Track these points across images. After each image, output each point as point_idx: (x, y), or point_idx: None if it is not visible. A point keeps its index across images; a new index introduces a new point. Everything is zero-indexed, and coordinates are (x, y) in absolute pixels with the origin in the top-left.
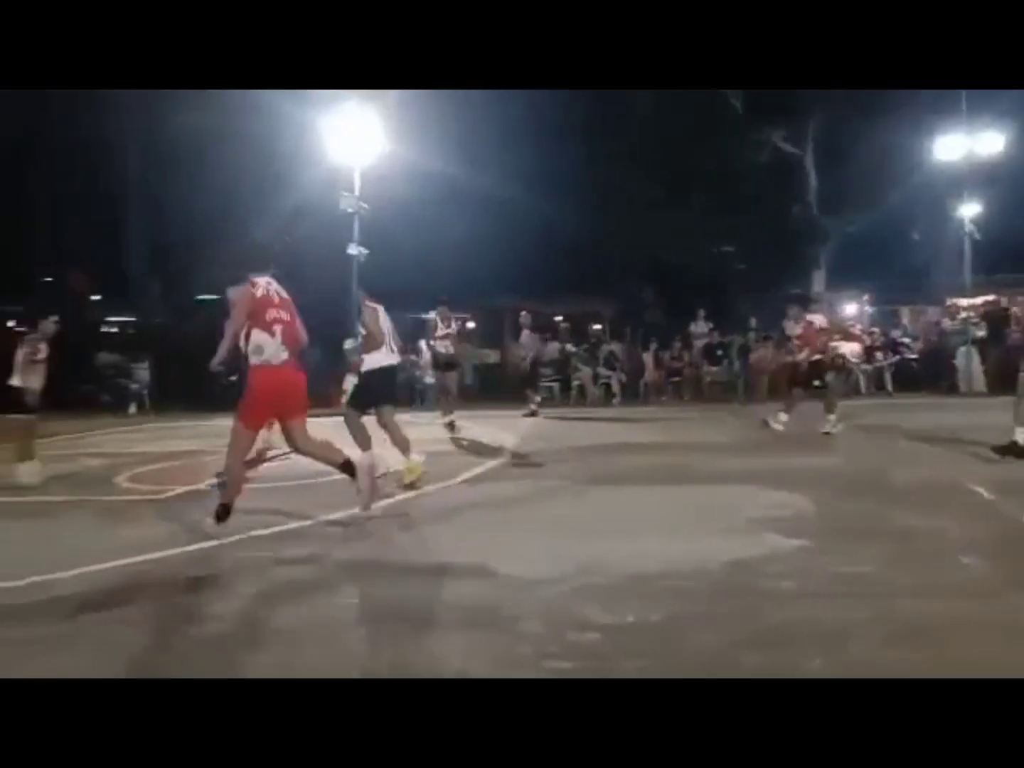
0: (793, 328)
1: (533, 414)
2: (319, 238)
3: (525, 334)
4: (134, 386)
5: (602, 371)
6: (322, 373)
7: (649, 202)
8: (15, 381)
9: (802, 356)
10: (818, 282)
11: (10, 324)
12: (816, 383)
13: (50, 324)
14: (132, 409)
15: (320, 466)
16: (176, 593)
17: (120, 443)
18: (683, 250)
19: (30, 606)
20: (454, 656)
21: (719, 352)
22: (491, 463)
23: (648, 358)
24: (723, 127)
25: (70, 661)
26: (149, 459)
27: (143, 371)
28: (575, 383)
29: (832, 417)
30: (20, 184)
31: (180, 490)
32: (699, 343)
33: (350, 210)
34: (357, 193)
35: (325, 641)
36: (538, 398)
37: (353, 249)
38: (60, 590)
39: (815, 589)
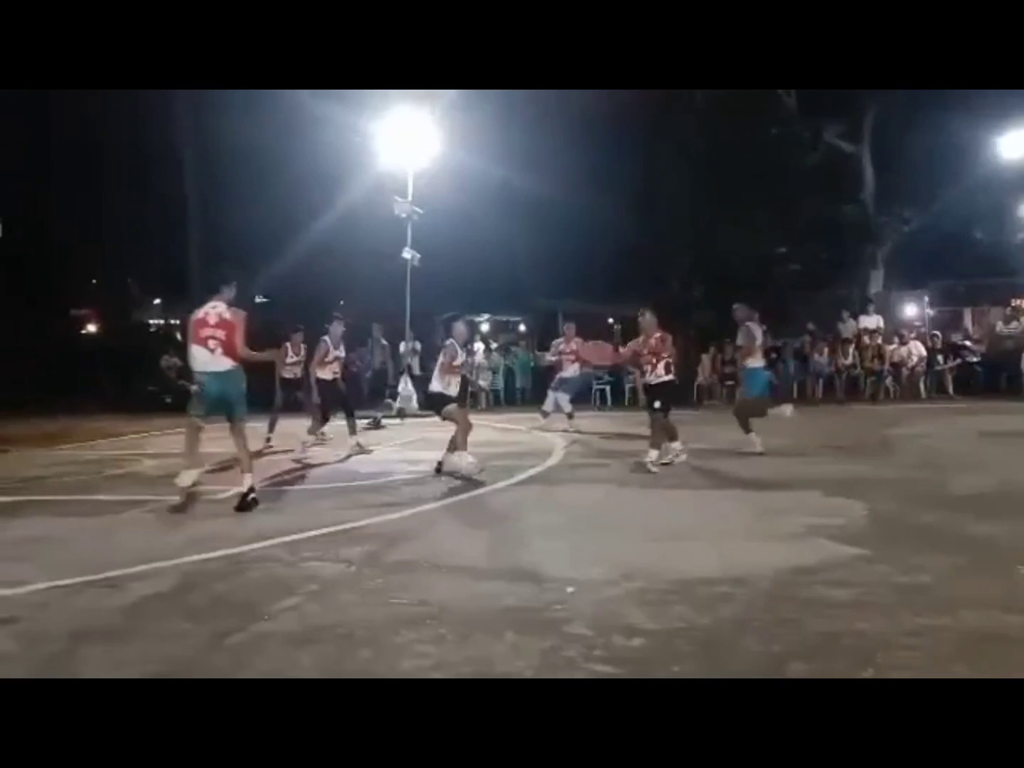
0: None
1: (570, 416)
2: (372, 243)
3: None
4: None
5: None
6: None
7: (701, 203)
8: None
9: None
10: (876, 282)
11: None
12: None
13: None
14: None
15: (373, 467)
16: (234, 591)
17: (182, 443)
18: (735, 251)
19: (96, 601)
20: (500, 658)
21: (773, 355)
22: (541, 466)
23: (706, 360)
24: (776, 125)
25: (134, 654)
26: (208, 459)
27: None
28: (628, 386)
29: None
30: (86, 190)
31: (236, 491)
32: None
33: (403, 215)
34: (410, 198)
35: (376, 641)
36: (569, 408)
37: (407, 253)
38: (126, 586)
39: (870, 599)
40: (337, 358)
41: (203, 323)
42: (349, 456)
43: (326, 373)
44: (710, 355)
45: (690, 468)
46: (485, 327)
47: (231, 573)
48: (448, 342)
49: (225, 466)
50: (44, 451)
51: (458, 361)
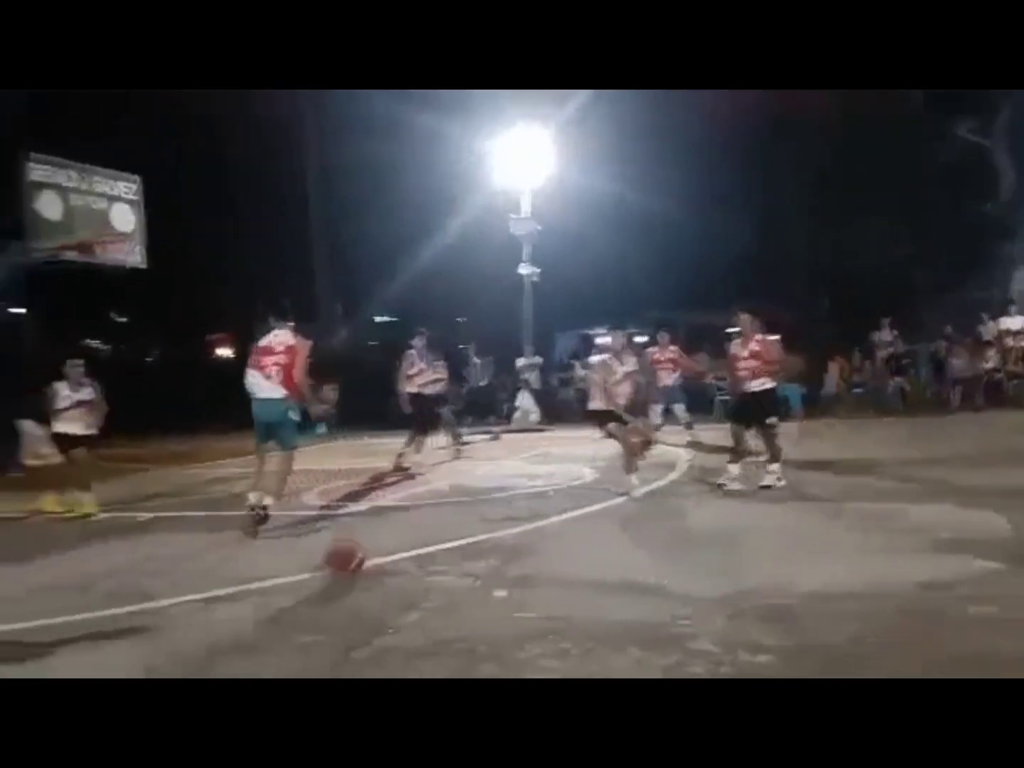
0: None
1: (689, 425)
2: (486, 262)
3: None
4: (405, 405)
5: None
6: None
7: (824, 210)
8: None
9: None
10: (1019, 282)
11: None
12: None
13: None
14: (322, 428)
15: (494, 482)
16: (360, 605)
17: (309, 460)
18: (861, 256)
19: (228, 615)
20: (623, 673)
21: (905, 361)
22: (668, 478)
23: (834, 368)
24: (902, 125)
25: (267, 667)
26: (336, 476)
27: (332, 391)
28: (719, 397)
29: None
30: (217, 217)
31: (360, 507)
32: (883, 353)
33: (521, 232)
34: (527, 214)
35: (499, 656)
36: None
37: (525, 269)
38: (255, 600)
39: (1010, 615)
40: (422, 371)
41: (268, 350)
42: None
43: (412, 387)
44: (837, 364)
45: (816, 480)
46: (604, 340)
47: (357, 587)
48: (600, 359)
49: (354, 481)
50: (177, 469)
51: (618, 375)
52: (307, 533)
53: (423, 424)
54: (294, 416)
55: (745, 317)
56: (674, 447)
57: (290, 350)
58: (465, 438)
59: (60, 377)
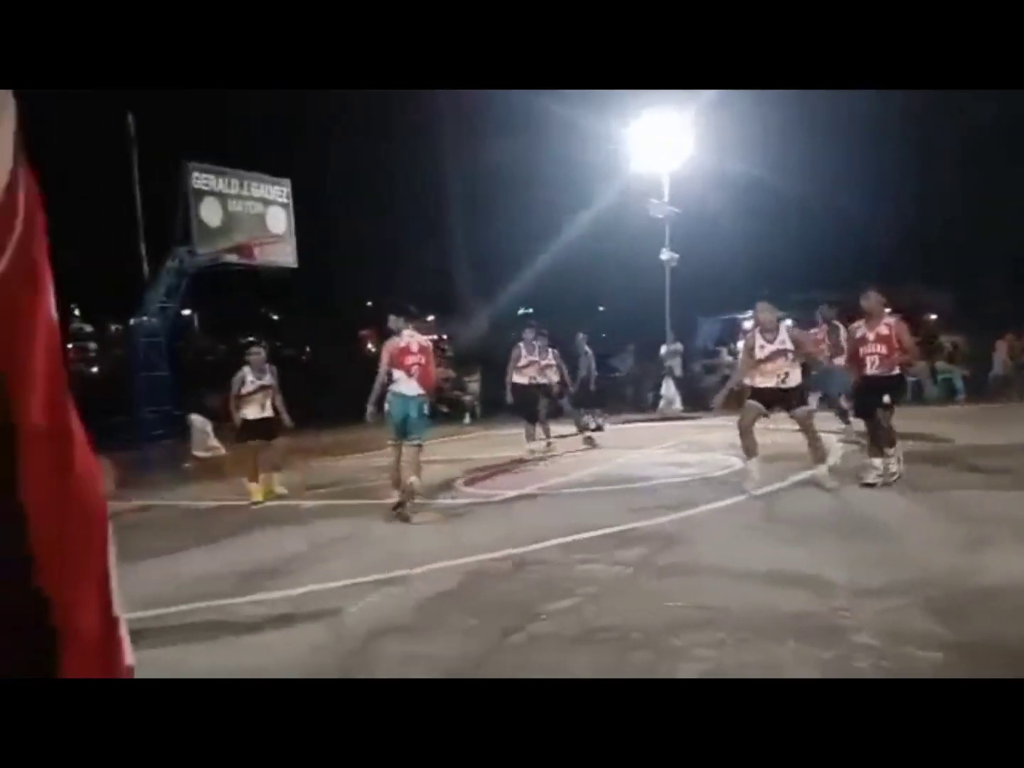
0: None
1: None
2: (629, 247)
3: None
4: (467, 397)
5: (941, 365)
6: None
7: (990, 180)
8: None
9: None
10: None
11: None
12: None
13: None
14: (467, 419)
15: (641, 470)
16: (514, 591)
17: (456, 450)
18: None
19: (391, 598)
20: (782, 665)
21: None
22: (817, 467)
23: (1002, 346)
24: None
25: (427, 650)
26: (481, 465)
27: (474, 383)
28: (911, 379)
29: None
30: (362, 218)
31: (510, 494)
32: None
33: (660, 216)
34: (666, 199)
35: (654, 644)
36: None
37: (665, 255)
38: (416, 584)
39: None
40: (533, 363)
41: (407, 351)
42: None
43: (522, 378)
44: (1006, 343)
45: (989, 467)
46: (749, 324)
47: (511, 573)
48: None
49: (501, 470)
50: (334, 460)
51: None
52: (458, 521)
53: (531, 414)
54: (426, 411)
55: (875, 296)
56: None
57: (423, 350)
58: (593, 426)
59: (240, 367)
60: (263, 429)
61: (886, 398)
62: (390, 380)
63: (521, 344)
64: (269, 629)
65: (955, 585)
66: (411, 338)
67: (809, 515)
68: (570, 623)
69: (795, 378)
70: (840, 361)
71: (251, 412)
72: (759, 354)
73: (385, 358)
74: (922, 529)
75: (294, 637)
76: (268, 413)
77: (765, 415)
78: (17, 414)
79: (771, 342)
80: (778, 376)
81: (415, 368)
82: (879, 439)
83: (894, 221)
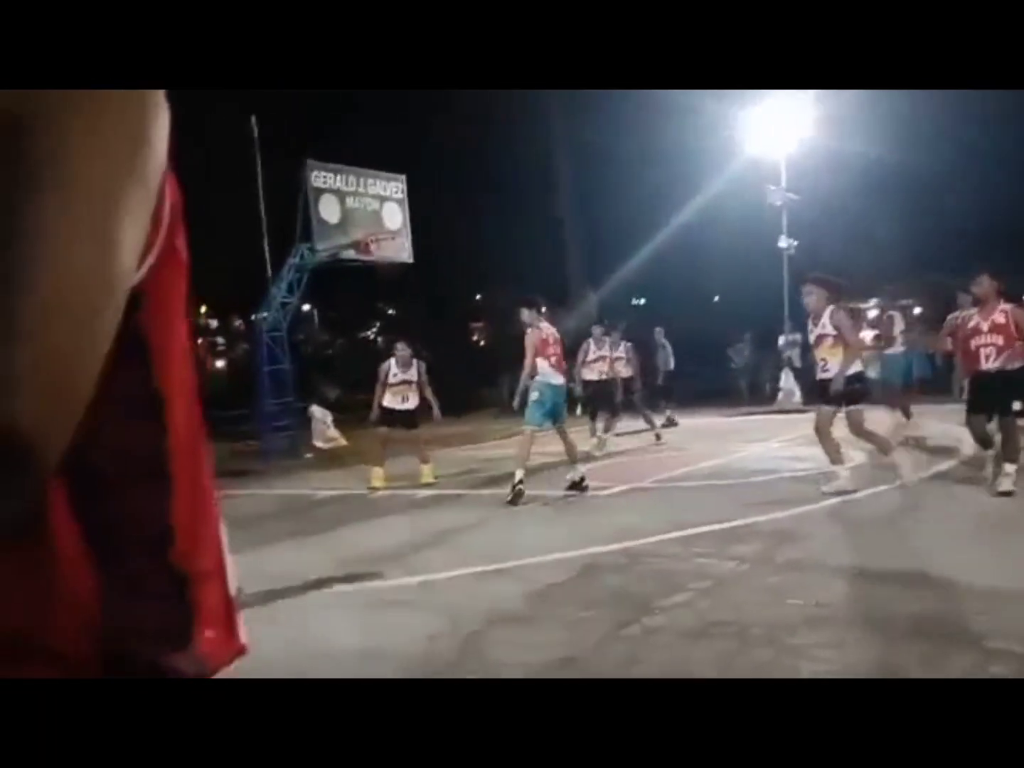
0: None
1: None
2: (745, 233)
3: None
4: (578, 388)
5: None
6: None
7: None
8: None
9: None
10: None
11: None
12: None
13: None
14: (577, 410)
15: (759, 464)
16: (628, 583)
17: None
18: None
19: (504, 588)
20: (910, 669)
21: None
22: (944, 463)
23: None
24: None
25: (540, 639)
26: (594, 457)
27: None
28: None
29: None
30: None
31: (622, 487)
32: None
33: (777, 203)
34: (783, 184)
35: (773, 641)
36: None
37: (783, 242)
38: (530, 575)
39: None
40: (601, 358)
41: (547, 342)
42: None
43: (591, 373)
44: None
45: None
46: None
47: (626, 566)
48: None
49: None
50: (454, 450)
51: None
52: (572, 512)
53: (608, 408)
54: None
55: (987, 281)
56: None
57: (558, 341)
58: (661, 422)
59: (387, 357)
60: (403, 419)
61: (1016, 404)
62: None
63: (590, 340)
64: (390, 613)
65: None
66: (549, 329)
67: (937, 511)
68: (686, 617)
69: (832, 368)
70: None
71: (392, 402)
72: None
73: (531, 350)
74: None
75: (413, 623)
76: (409, 405)
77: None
78: (164, 386)
79: (816, 326)
80: (819, 364)
81: (555, 358)
82: (1007, 447)
83: None
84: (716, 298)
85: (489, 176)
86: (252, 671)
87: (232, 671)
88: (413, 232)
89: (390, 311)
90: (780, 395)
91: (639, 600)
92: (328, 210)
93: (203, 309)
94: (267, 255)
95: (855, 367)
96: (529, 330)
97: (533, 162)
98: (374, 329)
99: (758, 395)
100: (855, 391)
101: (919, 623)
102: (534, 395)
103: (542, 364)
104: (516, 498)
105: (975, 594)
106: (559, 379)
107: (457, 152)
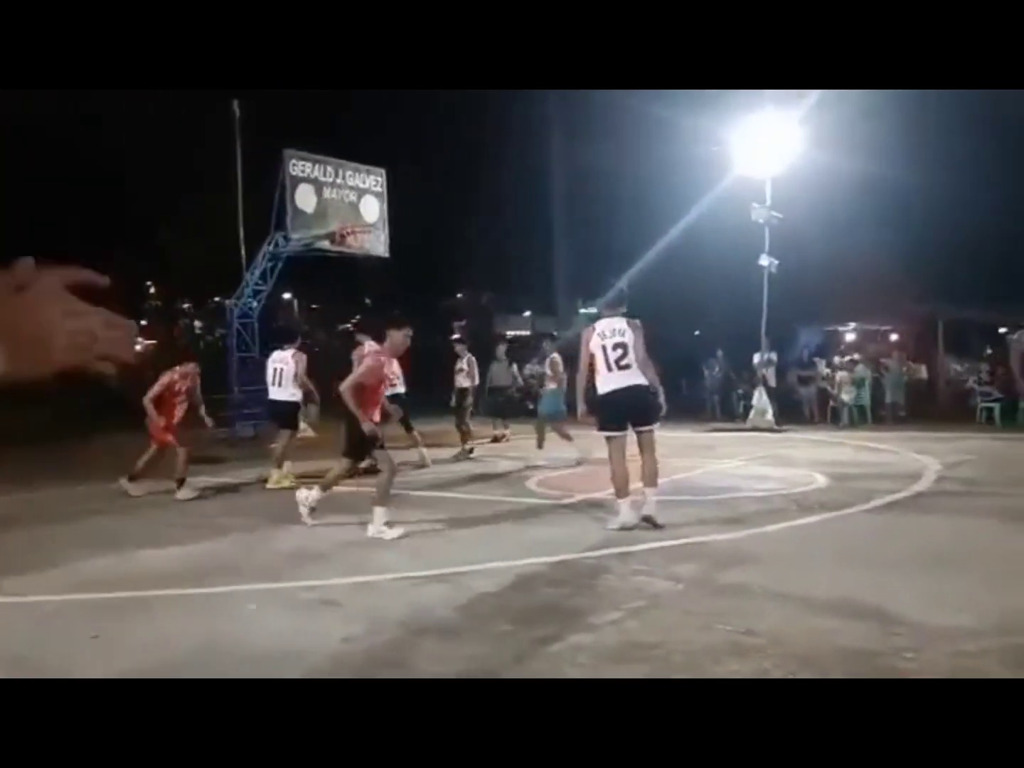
0: None
1: None
2: (729, 252)
3: None
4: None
5: None
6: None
7: None
8: None
9: None
10: None
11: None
12: None
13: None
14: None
15: (719, 482)
16: (562, 598)
17: (535, 448)
18: None
19: (435, 596)
20: None
21: None
22: (906, 491)
23: None
24: None
25: (460, 650)
26: (557, 464)
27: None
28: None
29: None
30: (461, 212)
31: (581, 497)
32: None
33: (761, 221)
34: (768, 203)
35: (693, 666)
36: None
37: (764, 260)
38: (464, 583)
39: None
40: (460, 370)
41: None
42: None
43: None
44: None
45: None
46: (851, 337)
47: (562, 580)
48: None
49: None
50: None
51: None
52: (518, 521)
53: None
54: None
55: None
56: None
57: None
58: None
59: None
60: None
61: None
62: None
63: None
64: (315, 614)
65: None
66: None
67: (886, 541)
68: (612, 636)
69: None
70: None
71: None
72: None
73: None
74: (1015, 566)
75: (333, 625)
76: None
77: None
78: None
79: None
80: None
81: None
82: None
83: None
84: (696, 333)
85: (479, 179)
86: (163, 669)
87: (146, 668)
88: (397, 227)
89: (370, 304)
90: (752, 412)
91: (569, 616)
92: (304, 199)
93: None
94: (243, 242)
95: None
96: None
97: (524, 169)
98: (353, 321)
99: (729, 412)
100: None
101: (846, 657)
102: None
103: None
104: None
105: (905, 627)
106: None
107: (446, 150)
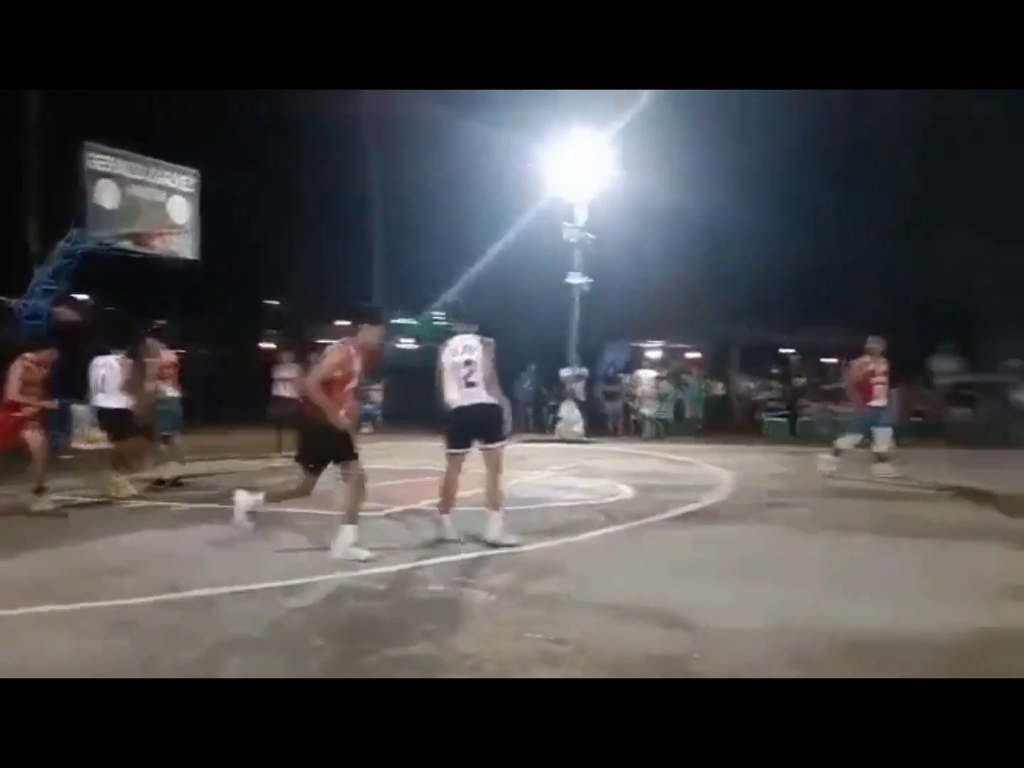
0: None
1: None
2: (544, 268)
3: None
4: (368, 406)
5: (833, 408)
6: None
7: (896, 226)
8: None
9: None
10: None
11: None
12: None
13: None
14: (367, 428)
15: (527, 493)
16: (376, 611)
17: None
18: (934, 279)
19: (246, 611)
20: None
21: (967, 392)
22: (704, 501)
23: (895, 395)
24: (986, 144)
25: (269, 667)
26: (374, 476)
27: (376, 392)
28: (802, 419)
29: None
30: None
31: (397, 509)
32: (943, 381)
33: (572, 240)
34: (581, 224)
35: (504, 676)
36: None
37: (574, 278)
38: (275, 598)
39: None
40: None
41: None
42: None
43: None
44: (899, 392)
45: (873, 510)
46: (655, 354)
47: (377, 593)
48: None
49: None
50: (219, 463)
51: None
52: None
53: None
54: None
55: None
56: (721, 468)
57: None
58: None
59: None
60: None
61: None
62: None
63: None
64: (112, 634)
65: (819, 633)
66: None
67: (688, 550)
68: (427, 648)
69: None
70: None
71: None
72: None
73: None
74: (802, 572)
75: (130, 645)
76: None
77: None
78: None
79: None
80: None
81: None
82: None
83: (814, 258)
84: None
85: (295, 186)
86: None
87: None
88: (207, 231)
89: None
90: (560, 424)
91: (383, 629)
92: (105, 196)
93: None
94: (32, 237)
95: None
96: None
97: (340, 180)
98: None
99: (540, 424)
100: None
101: (649, 662)
102: None
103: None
104: None
105: (703, 632)
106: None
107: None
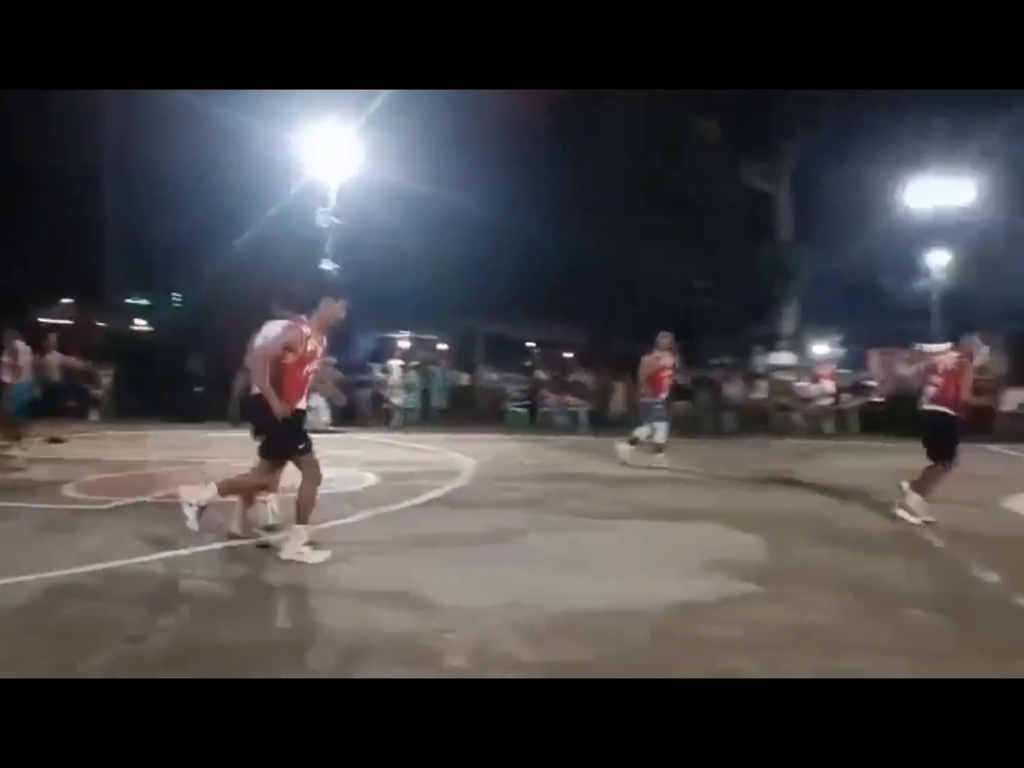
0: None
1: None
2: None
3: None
4: (98, 392)
5: (570, 400)
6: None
7: (625, 228)
8: None
9: None
10: (789, 321)
11: None
12: None
13: None
14: (94, 416)
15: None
16: (106, 609)
17: (77, 450)
18: (660, 280)
19: None
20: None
21: (684, 386)
22: (447, 487)
23: (620, 388)
24: (701, 155)
25: None
26: (102, 467)
27: (108, 378)
28: (542, 409)
29: None
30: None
31: (123, 501)
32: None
33: (325, 226)
34: (331, 209)
35: (250, 667)
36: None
37: (327, 265)
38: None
39: (757, 639)
40: None
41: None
42: None
43: None
44: (624, 385)
45: (600, 495)
46: (404, 344)
47: (105, 589)
48: None
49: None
50: None
51: None
52: (58, 529)
53: None
54: None
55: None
56: (464, 455)
57: None
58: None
59: None
60: None
61: None
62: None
63: None
64: None
65: (543, 608)
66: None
67: (429, 533)
68: (163, 643)
69: None
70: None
71: None
72: None
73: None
74: (531, 552)
75: None
76: None
77: None
78: None
79: None
80: None
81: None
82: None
83: (554, 255)
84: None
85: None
86: None
87: None
88: None
89: None
90: (309, 414)
91: (112, 627)
92: None
93: None
94: None
95: None
96: None
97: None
98: None
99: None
100: None
101: (397, 643)
102: None
103: None
104: None
105: (439, 614)
106: None
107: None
